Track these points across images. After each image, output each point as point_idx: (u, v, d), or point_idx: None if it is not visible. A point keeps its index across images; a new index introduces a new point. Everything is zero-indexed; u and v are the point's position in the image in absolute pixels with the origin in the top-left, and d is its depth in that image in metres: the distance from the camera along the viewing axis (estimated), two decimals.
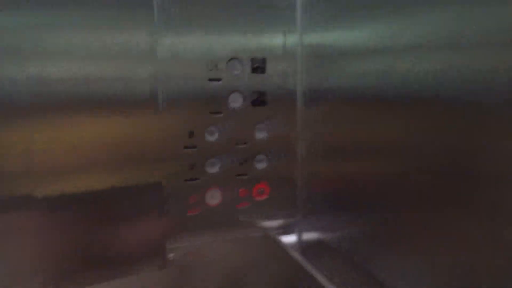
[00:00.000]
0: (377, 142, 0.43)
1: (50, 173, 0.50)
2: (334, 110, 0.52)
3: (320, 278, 0.47)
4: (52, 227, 0.53)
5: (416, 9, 0.36)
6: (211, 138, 0.57)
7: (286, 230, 0.63)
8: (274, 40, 0.58)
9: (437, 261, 0.36)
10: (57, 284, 0.54)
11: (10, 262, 0.52)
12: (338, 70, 0.50)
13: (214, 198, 0.59)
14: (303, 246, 0.61)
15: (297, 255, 0.53)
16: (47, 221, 0.52)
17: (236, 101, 0.58)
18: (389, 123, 0.41)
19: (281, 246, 0.57)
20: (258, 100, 0.59)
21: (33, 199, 0.51)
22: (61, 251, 0.54)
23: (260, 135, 0.60)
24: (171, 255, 0.57)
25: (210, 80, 0.56)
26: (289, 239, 0.62)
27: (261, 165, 0.61)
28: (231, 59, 0.56)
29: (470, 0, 0.30)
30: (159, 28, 0.52)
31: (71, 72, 0.50)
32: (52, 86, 0.49)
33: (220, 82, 0.56)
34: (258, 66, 0.58)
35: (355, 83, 0.46)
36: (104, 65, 0.51)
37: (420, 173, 0.37)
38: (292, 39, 0.58)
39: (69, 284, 0.55)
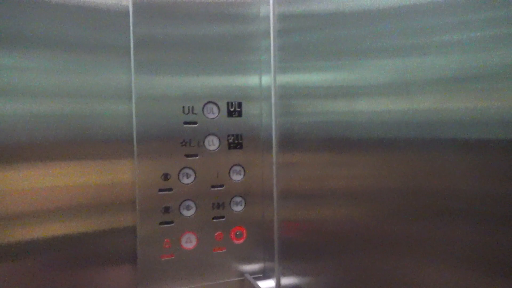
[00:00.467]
0: (347, 186, 0.44)
1: (18, 218, 0.50)
2: (307, 153, 0.53)
3: None
4: (20, 273, 0.52)
5: (372, 59, 0.38)
6: (187, 180, 0.58)
7: (265, 274, 0.62)
8: (249, 81, 0.60)
9: None
10: None
11: None
12: (309, 109, 0.51)
13: (189, 242, 0.58)
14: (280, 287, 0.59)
15: None
16: (13, 268, 0.51)
17: (212, 144, 0.59)
18: (357, 167, 0.41)
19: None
20: (234, 143, 0.60)
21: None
22: None
23: (237, 177, 0.60)
24: None
25: (186, 123, 0.57)
26: (268, 284, 0.60)
27: (238, 208, 0.61)
28: (207, 102, 0.58)
29: (415, 53, 0.32)
30: (135, 69, 0.54)
31: (44, 110, 0.51)
32: (24, 125, 0.50)
33: (196, 125, 0.57)
34: (234, 110, 0.60)
35: (325, 123, 0.47)
36: (80, 103, 0.52)
37: (392, 217, 0.37)
38: (266, 81, 0.60)
39: None
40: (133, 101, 0.54)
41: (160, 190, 0.56)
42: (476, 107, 0.27)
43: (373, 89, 0.38)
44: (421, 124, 0.31)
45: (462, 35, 0.28)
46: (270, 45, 0.58)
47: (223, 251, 0.60)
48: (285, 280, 0.59)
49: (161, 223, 0.56)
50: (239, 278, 0.61)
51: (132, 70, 0.54)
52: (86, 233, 0.53)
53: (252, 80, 0.60)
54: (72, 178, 0.52)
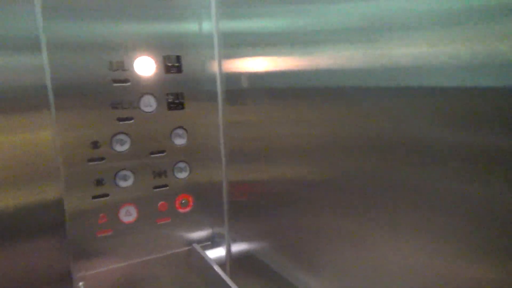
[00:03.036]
0: (297, 142, 0.40)
1: None
2: (255, 109, 0.47)
3: None
4: None
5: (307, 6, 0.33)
6: (121, 148, 0.50)
7: (213, 241, 0.59)
8: (188, 29, 0.52)
9: (353, 267, 0.33)
10: None
11: None
12: (257, 59, 0.45)
13: (129, 214, 0.53)
14: (231, 257, 0.57)
15: (222, 270, 0.49)
16: None
17: (148, 105, 0.51)
18: (306, 118, 0.37)
19: (207, 261, 0.52)
20: (175, 103, 0.53)
21: None
22: None
23: (179, 141, 0.54)
24: (80, 284, 0.50)
25: (116, 82, 0.48)
26: (217, 251, 0.57)
27: (182, 175, 0.55)
28: (140, 56, 0.50)
29: None
30: (43, 14, 0.43)
31: None
32: None
33: (128, 84, 0.49)
34: (173, 65, 0.52)
35: (274, 74, 0.42)
36: None
37: (340, 174, 0.34)
38: (207, 27, 0.52)
39: None
40: (45, 56, 0.44)
41: (90, 160, 0.49)
42: (433, 53, 0.24)
43: (327, 35, 0.33)
44: (382, 72, 0.27)
45: None
46: None
47: (168, 221, 0.55)
48: (235, 247, 0.57)
49: (94, 197, 0.50)
50: (186, 248, 0.57)
51: (39, 14, 0.43)
52: (7, 206, 0.45)
53: (191, 27, 0.52)
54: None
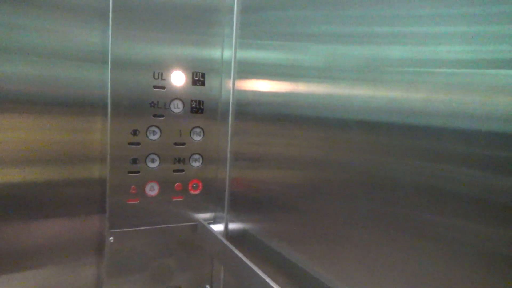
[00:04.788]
0: (286, 153, 0.55)
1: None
2: (257, 123, 0.63)
3: (242, 256, 0.57)
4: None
5: (312, 43, 0.49)
6: (153, 137, 0.67)
7: (215, 221, 0.73)
8: (213, 54, 0.69)
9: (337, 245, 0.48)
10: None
11: None
12: (261, 86, 0.62)
13: (152, 190, 0.68)
14: (228, 234, 0.71)
15: (224, 239, 0.63)
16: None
17: (177, 107, 0.68)
18: (294, 138, 0.53)
19: (212, 232, 0.66)
20: (196, 108, 0.69)
21: None
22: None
23: (196, 138, 0.70)
24: (110, 239, 0.65)
25: (155, 87, 0.65)
26: (217, 227, 0.72)
27: (196, 164, 0.71)
28: (175, 70, 0.67)
29: (339, 42, 0.43)
30: (112, 33, 0.61)
31: (25, 72, 0.58)
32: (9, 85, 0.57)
33: (164, 90, 0.66)
34: (198, 79, 0.69)
35: (272, 99, 0.58)
36: (58, 66, 0.60)
37: (316, 181, 0.49)
38: (228, 55, 0.69)
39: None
40: (109, 65, 0.61)
41: (130, 143, 0.65)
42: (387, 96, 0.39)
43: (309, 71, 0.49)
44: (338, 105, 0.43)
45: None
46: (233, 20, 0.68)
47: (181, 199, 0.71)
48: (232, 226, 0.71)
49: (129, 172, 0.66)
50: (193, 223, 0.72)
51: (110, 33, 0.61)
52: (66, 179, 0.62)
53: (215, 53, 0.70)
54: (49, 132, 0.60)
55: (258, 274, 0.50)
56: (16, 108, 0.60)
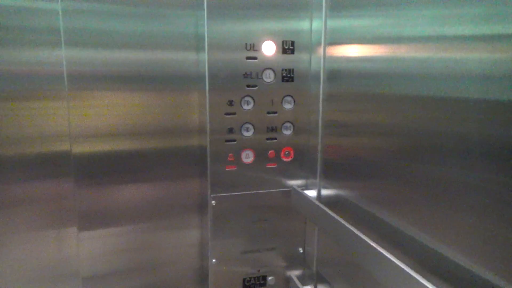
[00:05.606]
0: (379, 121, 0.54)
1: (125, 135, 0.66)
2: (348, 90, 0.62)
3: (335, 216, 0.58)
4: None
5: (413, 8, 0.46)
6: (247, 107, 0.70)
7: (307, 187, 0.75)
8: (302, 25, 0.69)
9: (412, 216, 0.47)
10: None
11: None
12: (354, 53, 0.60)
13: (248, 157, 0.72)
14: (321, 199, 0.73)
15: (319, 203, 0.64)
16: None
17: (268, 77, 0.69)
18: (387, 106, 0.51)
19: (305, 196, 0.68)
20: (287, 76, 0.70)
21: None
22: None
23: (287, 106, 0.72)
24: (212, 202, 0.71)
25: (248, 58, 0.67)
26: (311, 193, 0.73)
27: (287, 132, 0.73)
28: (266, 40, 0.68)
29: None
30: (208, 16, 0.64)
31: (132, 56, 0.64)
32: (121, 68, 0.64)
33: (256, 60, 0.68)
34: (288, 48, 0.69)
35: (367, 66, 0.56)
36: (157, 51, 0.65)
37: (406, 150, 0.47)
38: (317, 24, 0.69)
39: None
40: (205, 41, 0.65)
41: (226, 114, 0.69)
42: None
43: (411, 39, 0.47)
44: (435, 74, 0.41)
45: None
46: None
47: (275, 166, 0.73)
48: (324, 191, 0.73)
49: (226, 141, 0.70)
50: (287, 189, 0.74)
51: (205, 14, 0.64)
52: (178, 146, 0.69)
53: (303, 22, 0.69)
54: (154, 108, 0.67)
55: (353, 232, 0.51)
56: (127, 87, 0.67)
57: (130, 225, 0.72)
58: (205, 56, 0.65)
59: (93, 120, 0.66)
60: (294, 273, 0.78)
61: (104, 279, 0.72)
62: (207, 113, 0.67)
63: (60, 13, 0.62)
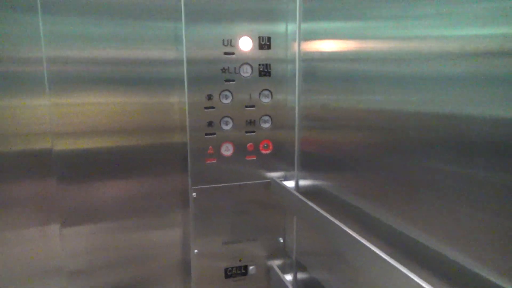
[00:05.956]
0: (354, 113, 0.56)
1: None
2: (324, 85, 0.65)
3: (313, 205, 0.61)
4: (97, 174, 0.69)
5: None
6: (226, 101, 0.72)
7: (285, 179, 0.78)
8: (277, 27, 0.72)
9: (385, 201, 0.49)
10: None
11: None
12: (327, 49, 0.63)
13: (227, 150, 0.74)
14: (299, 190, 0.75)
15: (297, 193, 0.67)
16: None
17: (246, 72, 0.72)
18: (363, 101, 0.54)
19: (284, 187, 0.71)
20: (264, 71, 0.73)
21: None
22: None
23: (265, 100, 0.74)
24: (193, 194, 0.72)
25: (225, 54, 0.70)
26: (289, 184, 0.76)
27: (266, 125, 0.75)
28: (243, 36, 0.70)
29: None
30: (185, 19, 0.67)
31: (110, 55, 0.66)
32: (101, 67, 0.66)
33: (233, 56, 0.70)
34: (265, 43, 0.72)
35: (340, 62, 0.59)
36: (137, 50, 0.67)
37: (386, 138, 0.50)
38: (292, 28, 0.72)
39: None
40: (183, 40, 0.67)
41: (206, 108, 0.71)
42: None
43: (374, 38, 0.49)
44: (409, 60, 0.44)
45: None
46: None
47: (254, 159, 0.76)
48: (302, 182, 0.75)
49: (206, 134, 0.72)
50: (266, 180, 0.77)
51: (183, 16, 0.66)
52: (151, 145, 0.71)
53: (280, 25, 0.72)
54: (136, 105, 0.69)
55: (330, 221, 0.53)
56: (109, 86, 0.68)
57: (113, 221, 0.73)
58: (183, 53, 0.67)
59: (74, 118, 0.67)
60: (275, 263, 0.81)
61: (88, 274, 0.73)
62: (187, 107, 0.69)
63: (40, 12, 0.63)
